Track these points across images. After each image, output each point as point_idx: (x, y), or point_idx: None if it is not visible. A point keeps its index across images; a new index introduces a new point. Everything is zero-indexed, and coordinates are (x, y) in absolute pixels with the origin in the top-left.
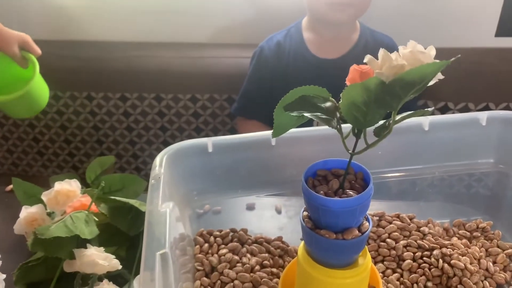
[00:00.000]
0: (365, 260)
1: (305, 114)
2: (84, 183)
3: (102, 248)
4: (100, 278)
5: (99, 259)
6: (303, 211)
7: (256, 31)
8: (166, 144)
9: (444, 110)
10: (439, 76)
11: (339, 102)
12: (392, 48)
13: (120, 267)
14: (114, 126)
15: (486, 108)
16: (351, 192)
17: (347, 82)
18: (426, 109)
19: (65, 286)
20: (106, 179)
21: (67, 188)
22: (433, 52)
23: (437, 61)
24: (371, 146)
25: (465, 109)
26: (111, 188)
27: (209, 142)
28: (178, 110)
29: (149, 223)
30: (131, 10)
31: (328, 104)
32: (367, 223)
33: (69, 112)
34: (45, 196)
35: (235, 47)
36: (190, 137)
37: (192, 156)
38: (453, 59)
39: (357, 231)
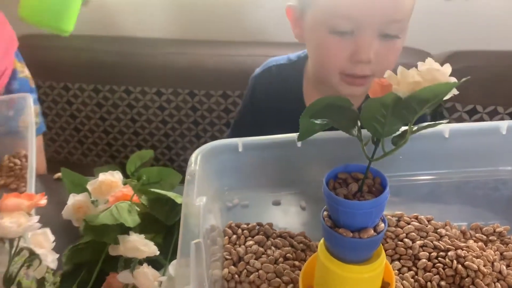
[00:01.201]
0: (380, 257)
1: (326, 122)
2: (124, 173)
3: (142, 236)
4: (140, 262)
5: (140, 245)
6: (324, 211)
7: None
8: (198, 137)
9: (472, 113)
10: (454, 91)
11: (360, 113)
12: None
13: (157, 253)
14: (150, 119)
15: None
16: (368, 196)
17: (369, 94)
18: (441, 121)
19: (109, 267)
20: (144, 171)
21: (110, 179)
22: (448, 69)
23: (452, 78)
24: (388, 154)
25: (494, 113)
26: (150, 180)
27: (240, 142)
28: (210, 106)
29: (185, 214)
30: (166, 7)
31: (350, 113)
32: (383, 224)
33: (108, 105)
34: (90, 185)
35: (266, 46)
36: (221, 131)
37: (224, 155)
38: (464, 79)
39: (373, 231)
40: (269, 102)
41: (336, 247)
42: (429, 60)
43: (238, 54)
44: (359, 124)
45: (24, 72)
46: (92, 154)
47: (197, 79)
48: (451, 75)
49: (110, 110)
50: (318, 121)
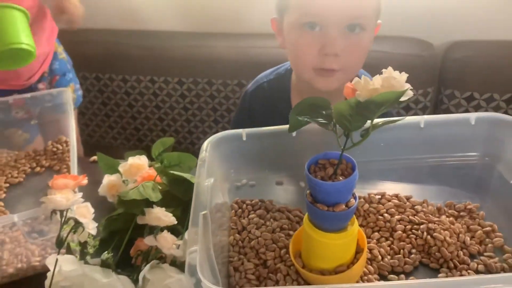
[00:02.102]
0: (353, 226)
1: (308, 119)
2: (149, 157)
3: (163, 209)
4: (162, 229)
5: (161, 216)
6: (307, 189)
7: None
8: (217, 122)
9: (469, 100)
10: (409, 94)
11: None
12: None
13: (175, 222)
14: (173, 106)
15: (510, 99)
16: (340, 178)
17: (344, 95)
18: (399, 117)
19: (137, 234)
20: (167, 156)
21: (138, 162)
22: (404, 77)
23: (407, 85)
24: (356, 144)
25: (490, 100)
26: (171, 163)
27: (243, 132)
28: (226, 94)
29: (196, 192)
30: (186, 2)
31: (327, 111)
32: (354, 200)
33: (135, 93)
34: (121, 167)
35: None
36: None
37: (230, 143)
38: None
39: (344, 206)
40: (264, 114)
41: (316, 219)
42: (389, 69)
43: (252, 46)
44: (333, 120)
45: (63, 54)
46: (122, 137)
47: (215, 69)
48: (451, 64)
49: (137, 98)
50: (301, 118)
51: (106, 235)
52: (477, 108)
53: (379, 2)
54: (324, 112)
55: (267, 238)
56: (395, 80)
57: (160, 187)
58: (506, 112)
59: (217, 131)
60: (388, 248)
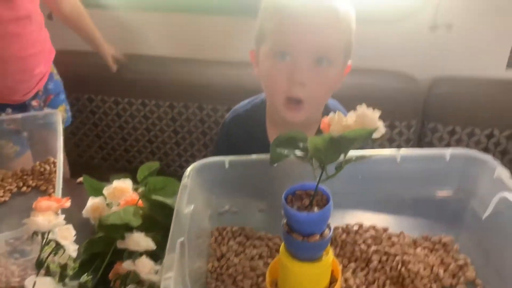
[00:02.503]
0: (327, 256)
1: (286, 152)
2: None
3: (143, 234)
4: (141, 254)
5: (141, 241)
6: (284, 219)
7: None
8: (206, 146)
9: (452, 133)
10: (382, 131)
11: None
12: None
13: (154, 247)
14: (163, 128)
15: (491, 133)
16: (315, 209)
17: (321, 128)
18: (373, 153)
19: (118, 257)
20: (151, 180)
21: (122, 185)
22: (376, 114)
23: (380, 123)
24: (331, 177)
25: (471, 134)
26: (155, 187)
27: (226, 160)
28: (216, 119)
29: (175, 219)
30: (180, 29)
31: (304, 145)
32: (328, 231)
33: (126, 115)
34: (105, 190)
35: None
36: None
37: (213, 170)
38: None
39: (318, 236)
40: (243, 141)
41: (292, 248)
42: (362, 107)
43: (242, 74)
44: (309, 154)
45: (58, 76)
46: (111, 158)
47: (206, 95)
48: (435, 98)
49: (128, 120)
50: (281, 150)
51: (86, 257)
52: (458, 142)
53: (350, 43)
54: (301, 145)
55: (245, 266)
56: (367, 117)
57: (142, 211)
58: (486, 146)
59: (206, 155)
60: (364, 278)
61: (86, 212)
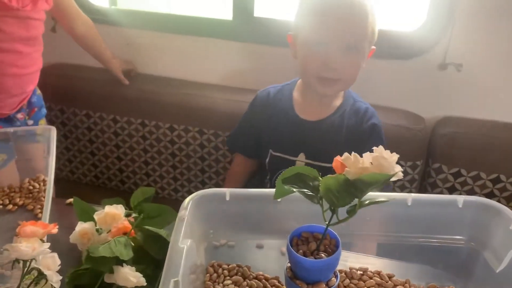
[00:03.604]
0: None
1: (294, 190)
2: (128, 204)
3: (133, 268)
4: None
5: (130, 276)
6: (288, 262)
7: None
8: (203, 171)
9: (456, 176)
10: (399, 176)
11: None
12: (364, 116)
13: (145, 284)
14: (161, 151)
15: (497, 179)
16: (322, 255)
17: (333, 167)
18: (386, 197)
19: None
20: (146, 207)
21: (114, 211)
22: (394, 158)
23: (398, 167)
24: (342, 221)
25: (477, 177)
26: (149, 215)
27: (227, 192)
28: (217, 144)
29: (169, 255)
30: (185, 51)
31: (315, 183)
32: (335, 279)
33: (124, 134)
34: (96, 215)
35: None
36: (224, 168)
37: (213, 202)
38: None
39: (324, 285)
40: (262, 114)
41: None
42: (380, 148)
43: (247, 100)
44: (320, 194)
45: (39, 90)
46: (104, 177)
47: (207, 119)
48: (440, 138)
49: (125, 139)
50: (288, 187)
51: None
52: (463, 185)
53: (374, 33)
54: (311, 184)
55: None
56: (385, 160)
57: (133, 244)
58: (491, 192)
59: (202, 181)
60: None
61: (73, 237)
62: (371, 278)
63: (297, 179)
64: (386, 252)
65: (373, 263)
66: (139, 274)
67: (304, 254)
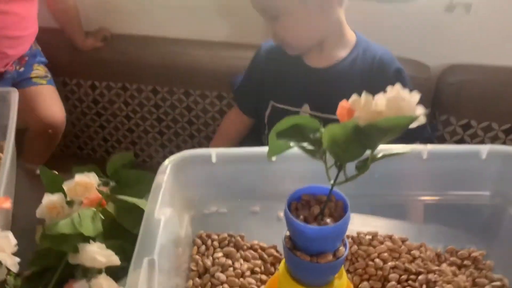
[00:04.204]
0: (341, 281)
1: (292, 144)
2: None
3: (103, 245)
4: (100, 271)
5: (98, 255)
6: (286, 231)
7: None
8: (192, 136)
9: (466, 128)
10: (421, 120)
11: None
12: (381, 62)
13: (118, 263)
14: (145, 116)
15: (511, 129)
16: (328, 221)
17: (338, 115)
18: (403, 151)
19: (72, 273)
20: (124, 174)
21: (86, 180)
22: (415, 98)
23: (420, 109)
24: (350, 179)
25: (488, 129)
26: (127, 183)
27: (213, 152)
28: (205, 106)
29: (143, 228)
30: (168, 7)
31: (317, 135)
32: (343, 249)
33: (104, 101)
34: (66, 186)
35: None
36: (215, 133)
37: (197, 165)
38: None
39: (332, 256)
40: (271, 58)
41: (296, 270)
42: (397, 87)
43: (235, 56)
44: (323, 147)
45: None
46: (88, 148)
47: (193, 79)
48: (448, 88)
49: (106, 106)
50: (283, 141)
51: (36, 271)
52: (473, 137)
53: None
54: (312, 136)
55: (234, 285)
56: (404, 101)
57: (102, 217)
58: (504, 143)
59: (193, 147)
60: None
61: (40, 211)
62: (381, 243)
63: (295, 132)
64: (398, 213)
65: (383, 226)
66: (110, 252)
67: (306, 221)
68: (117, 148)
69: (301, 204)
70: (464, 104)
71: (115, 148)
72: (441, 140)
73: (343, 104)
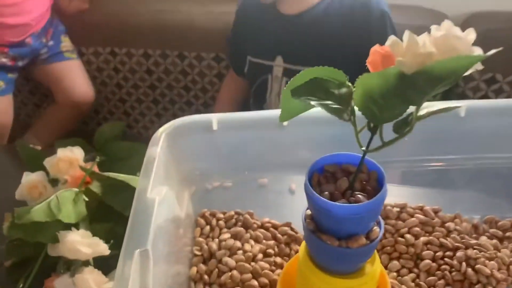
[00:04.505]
0: (373, 267)
1: (312, 103)
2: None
3: (88, 233)
4: (86, 263)
5: (81, 246)
6: (307, 209)
7: None
8: (190, 104)
9: (490, 83)
10: (478, 66)
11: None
12: (364, 4)
13: (107, 253)
14: (137, 84)
15: None
16: (360, 196)
17: (368, 65)
18: (454, 106)
19: (54, 266)
20: (113, 147)
21: (69, 155)
22: (471, 36)
23: (477, 49)
24: (388, 144)
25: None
26: (117, 156)
27: (214, 118)
28: (201, 70)
29: (134, 211)
30: None
31: (343, 90)
32: (378, 229)
33: (92, 68)
34: (47, 162)
35: None
36: (214, 98)
37: (195, 134)
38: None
39: (365, 239)
40: (250, 10)
41: (319, 255)
42: (446, 24)
43: (232, 12)
44: (352, 105)
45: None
46: (79, 121)
47: (188, 40)
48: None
49: (94, 74)
50: (300, 99)
51: (15, 262)
52: (498, 93)
53: None
54: (336, 92)
55: (244, 271)
56: (458, 40)
57: (86, 199)
58: None
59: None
60: (413, 284)
61: (20, 193)
62: (411, 216)
63: (315, 88)
64: (429, 181)
65: (412, 196)
66: (97, 241)
67: (332, 197)
68: (110, 120)
69: (325, 177)
70: (488, 57)
71: (107, 120)
72: (462, 98)
73: (376, 49)
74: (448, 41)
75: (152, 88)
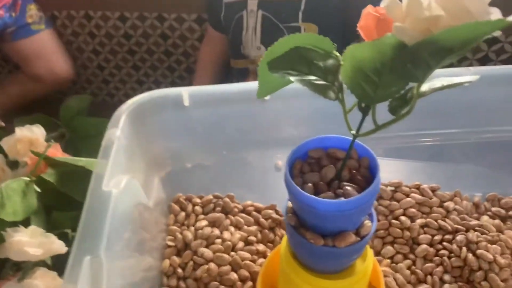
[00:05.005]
0: (365, 263)
1: (292, 79)
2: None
3: (39, 230)
4: (38, 264)
5: (29, 246)
6: (289, 200)
7: None
8: (172, 70)
9: (484, 61)
10: (497, 33)
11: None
12: None
13: (63, 251)
14: (115, 49)
15: None
16: (348, 188)
17: (360, 31)
18: (463, 80)
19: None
20: (78, 123)
21: (29, 135)
22: None
23: (494, 10)
24: (382, 128)
25: (510, 62)
26: (83, 133)
27: (185, 92)
28: (182, 33)
29: (87, 209)
30: None
31: (329, 62)
32: (370, 223)
33: (67, 34)
34: (5, 143)
35: None
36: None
37: (164, 111)
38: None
39: (354, 236)
40: None
41: (303, 254)
42: None
43: None
44: (340, 80)
45: None
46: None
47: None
48: None
49: (69, 39)
50: (280, 74)
51: None
52: (499, 54)
53: None
54: (321, 64)
55: (222, 264)
56: (473, 1)
57: (38, 188)
58: None
59: (173, 81)
60: (408, 271)
61: None
62: (407, 195)
63: (296, 59)
64: (427, 157)
65: (407, 172)
66: (50, 239)
67: (316, 189)
68: (88, 90)
69: (308, 164)
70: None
71: (85, 90)
72: (485, 61)
73: (369, 11)
74: (458, 2)
75: (131, 53)
